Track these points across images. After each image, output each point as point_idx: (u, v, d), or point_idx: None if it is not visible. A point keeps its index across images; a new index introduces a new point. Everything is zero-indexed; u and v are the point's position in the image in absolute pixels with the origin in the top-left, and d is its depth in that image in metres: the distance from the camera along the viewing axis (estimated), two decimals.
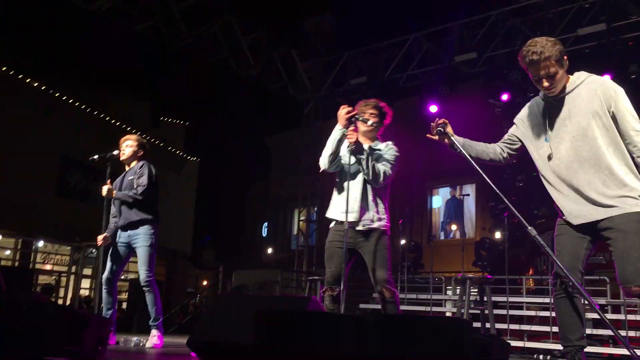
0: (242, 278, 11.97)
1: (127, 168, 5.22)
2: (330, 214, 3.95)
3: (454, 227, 15.74)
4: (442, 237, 16.52)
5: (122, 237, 5.02)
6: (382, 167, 3.84)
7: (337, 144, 3.86)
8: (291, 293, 11.06)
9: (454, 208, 16.10)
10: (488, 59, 10.83)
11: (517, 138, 3.22)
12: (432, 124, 3.26)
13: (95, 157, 5.16)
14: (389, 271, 3.77)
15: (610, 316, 7.16)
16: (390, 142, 4.02)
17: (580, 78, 2.98)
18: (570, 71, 3.05)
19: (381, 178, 3.81)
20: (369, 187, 3.88)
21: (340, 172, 3.97)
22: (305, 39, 13.45)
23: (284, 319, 2.29)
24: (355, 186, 3.86)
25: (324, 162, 3.91)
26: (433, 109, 12.33)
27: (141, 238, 4.93)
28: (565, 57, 2.94)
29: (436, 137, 3.27)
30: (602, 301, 7.38)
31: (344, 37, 13.65)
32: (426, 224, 16.47)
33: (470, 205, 15.74)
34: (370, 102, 3.99)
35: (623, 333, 6.22)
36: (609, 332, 6.80)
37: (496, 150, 3.35)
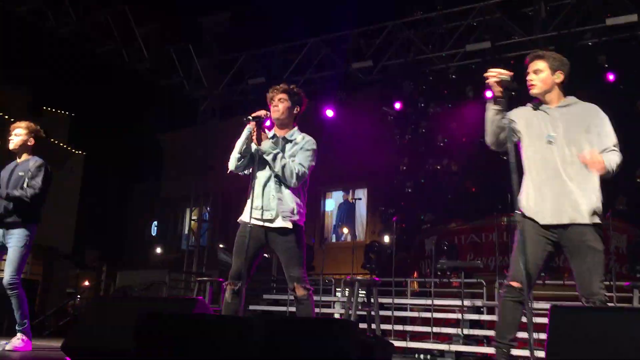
0: (127, 279, 11.48)
1: (17, 160, 4.83)
2: (243, 216, 3.81)
3: (345, 230, 16.07)
4: (334, 240, 16.81)
5: None
6: (297, 167, 3.67)
7: (242, 145, 3.74)
8: (179, 295, 10.75)
9: (346, 211, 16.45)
10: (383, 67, 11.16)
11: (518, 130, 3.35)
12: (499, 72, 3.19)
13: None
14: (303, 268, 3.68)
15: (486, 317, 7.59)
16: (307, 135, 3.85)
17: (574, 100, 3.30)
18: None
19: (294, 179, 3.66)
20: (283, 187, 3.74)
21: (251, 172, 3.85)
22: (202, 35, 13.15)
23: (166, 322, 2.20)
24: (264, 181, 3.75)
25: (231, 163, 3.80)
26: (329, 113, 12.52)
27: (15, 238, 4.57)
28: (561, 72, 3.26)
29: (496, 80, 3.18)
30: (479, 303, 7.80)
31: (242, 36, 13.52)
32: (319, 227, 16.69)
33: (361, 209, 16.15)
34: (280, 86, 3.83)
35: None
36: (483, 332, 7.23)
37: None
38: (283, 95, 3.79)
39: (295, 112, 3.84)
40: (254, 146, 3.73)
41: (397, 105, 12.48)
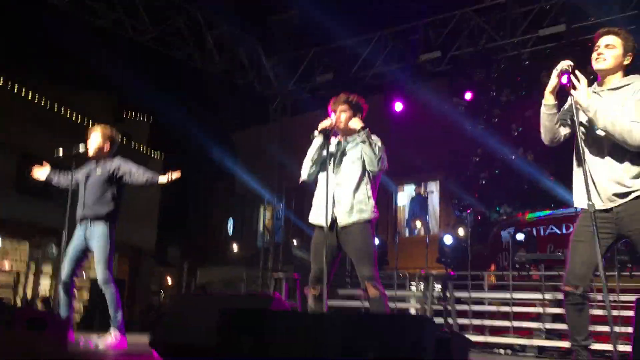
0: (206, 275, 11.88)
1: (94, 165, 5.06)
2: (311, 218, 3.94)
3: (418, 223, 15.90)
4: (407, 234, 16.68)
5: (77, 235, 4.91)
6: (379, 149, 3.83)
7: (314, 155, 3.86)
8: (256, 290, 11.02)
9: (419, 205, 16.26)
10: (452, 58, 10.96)
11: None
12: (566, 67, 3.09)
13: (60, 153, 4.99)
14: (374, 267, 3.71)
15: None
16: (376, 137, 3.95)
17: (633, 79, 3.12)
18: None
19: (382, 163, 3.82)
20: (349, 180, 3.83)
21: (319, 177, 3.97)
22: (271, 34, 13.38)
23: (247, 318, 2.29)
24: (331, 184, 3.83)
25: (303, 172, 3.94)
26: (398, 106, 12.45)
27: (98, 235, 4.83)
28: (631, 55, 3.13)
29: (558, 74, 3.11)
30: (561, 296, 7.53)
31: (310, 33, 13.62)
32: (392, 221, 16.60)
33: (434, 202, 15.93)
34: (340, 97, 3.94)
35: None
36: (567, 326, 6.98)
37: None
38: (344, 107, 3.90)
39: (358, 118, 3.93)
40: (324, 153, 3.83)
41: (468, 96, 12.22)
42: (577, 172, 3.19)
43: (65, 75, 15.52)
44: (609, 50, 3.12)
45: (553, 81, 3.11)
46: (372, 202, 3.83)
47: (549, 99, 3.15)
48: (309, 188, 4.09)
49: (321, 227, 3.78)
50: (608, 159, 3.03)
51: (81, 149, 4.97)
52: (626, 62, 3.15)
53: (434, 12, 11.12)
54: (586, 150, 3.07)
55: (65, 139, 5.92)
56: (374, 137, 3.89)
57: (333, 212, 3.76)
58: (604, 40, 3.15)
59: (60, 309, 4.74)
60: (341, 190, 3.79)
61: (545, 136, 3.24)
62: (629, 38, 3.16)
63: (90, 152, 5.03)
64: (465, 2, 10.92)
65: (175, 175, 4.93)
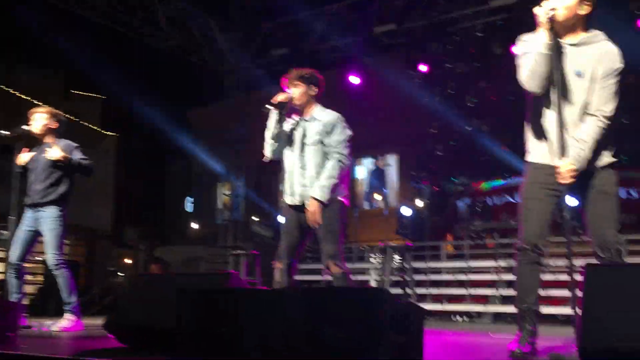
0: (165, 254, 11.73)
1: (41, 147, 4.88)
2: (283, 196, 3.92)
3: (377, 196, 16.03)
4: (367, 207, 16.81)
5: (27, 218, 4.77)
6: (337, 165, 3.75)
7: (273, 131, 3.80)
8: (217, 269, 10.96)
9: (377, 178, 16.38)
10: (407, 30, 10.96)
11: None
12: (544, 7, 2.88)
13: (6, 132, 4.79)
14: (337, 245, 3.68)
15: None
16: (330, 111, 3.86)
17: (594, 38, 2.96)
18: None
19: (342, 169, 3.80)
20: (308, 155, 3.79)
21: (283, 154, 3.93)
22: (224, 9, 13.09)
23: (201, 298, 2.25)
24: (295, 161, 3.80)
25: (266, 150, 3.89)
26: (355, 80, 12.41)
27: (48, 219, 4.69)
28: (588, 3, 2.90)
29: (542, 17, 2.88)
30: (515, 263, 7.72)
31: (263, 7, 13.38)
32: (351, 195, 16.70)
33: (392, 174, 16.07)
34: (292, 73, 3.88)
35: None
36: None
37: None
38: (296, 82, 3.82)
39: (312, 93, 3.85)
40: (284, 128, 3.79)
41: (424, 68, 12.26)
42: (540, 126, 3.04)
43: (9, 51, 14.89)
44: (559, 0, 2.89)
45: (544, 17, 2.86)
46: (339, 181, 3.82)
47: (545, 37, 2.87)
48: (270, 164, 4.06)
49: (291, 205, 3.80)
50: (576, 119, 2.94)
51: (25, 128, 4.80)
52: (581, 12, 2.92)
53: None
54: (557, 102, 2.90)
55: (11, 119, 5.69)
56: (329, 117, 3.84)
57: (301, 190, 3.74)
58: None
59: (10, 294, 4.61)
60: (306, 173, 3.77)
61: (537, 83, 2.92)
62: None
63: (36, 131, 4.85)
64: None
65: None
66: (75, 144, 4.89)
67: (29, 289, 8.62)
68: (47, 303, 7.53)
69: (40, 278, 8.80)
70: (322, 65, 12.18)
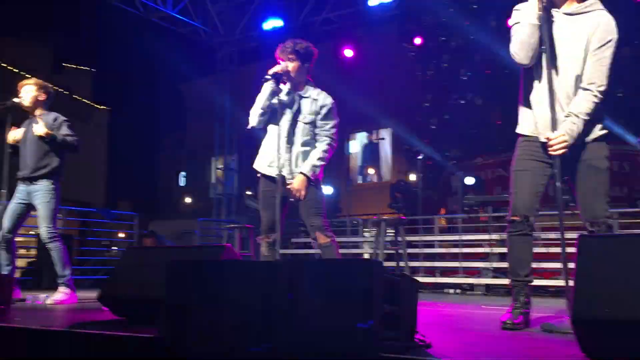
0: (159, 228, 11.74)
1: (32, 120, 4.81)
2: (257, 165, 3.88)
3: (371, 170, 16.07)
4: (360, 181, 16.85)
5: (20, 191, 4.74)
6: (325, 148, 3.78)
7: (265, 101, 3.76)
8: (210, 242, 10.98)
9: (371, 152, 16.40)
10: (402, 2, 10.84)
11: None
12: None
13: None
14: (323, 216, 3.75)
15: None
16: (321, 92, 3.84)
17: (589, 6, 2.89)
18: None
19: (330, 152, 3.81)
20: (297, 131, 3.78)
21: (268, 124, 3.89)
22: None
23: (194, 269, 2.25)
24: (282, 134, 3.77)
25: (252, 118, 3.83)
26: (349, 52, 12.32)
27: (41, 192, 4.67)
28: None
29: None
30: (496, 236, 7.75)
31: None
32: (344, 169, 16.71)
33: (386, 148, 16.08)
34: (287, 45, 3.80)
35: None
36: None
37: None
38: (291, 56, 3.76)
39: (306, 68, 3.82)
40: (275, 100, 3.75)
41: (418, 41, 12.18)
42: (530, 97, 3.00)
43: None
44: None
45: None
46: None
47: (535, 6, 2.85)
48: (262, 138, 4.02)
49: (268, 177, 3.77)
50: (570, 91, 2.90)
51: (16, 100, 4.73)
52: None
53: None
54: (549, 74, 2.85)
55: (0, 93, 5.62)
56: (322, 98, 3.81)
57: (280, 163, 3.72)
58: None
59: (2, 268, 4.60)
60: (291, 145, 3.76)
61: (525, 54, 2.89)
62: None
63: (26, 103, 4.79)
64: None
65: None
66: (64, 118, 4.83)
67: (23, 262, 8.62)
68: (41, 276, 7.53)
69: (33, 252, 8.79)
70: (316, 37, 12.07)
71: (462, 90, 11.75)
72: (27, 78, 4.98)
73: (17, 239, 4.99)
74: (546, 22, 2.87)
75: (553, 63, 2.89)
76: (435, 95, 12.27)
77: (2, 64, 14.33)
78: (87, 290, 5.79)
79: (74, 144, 4.77)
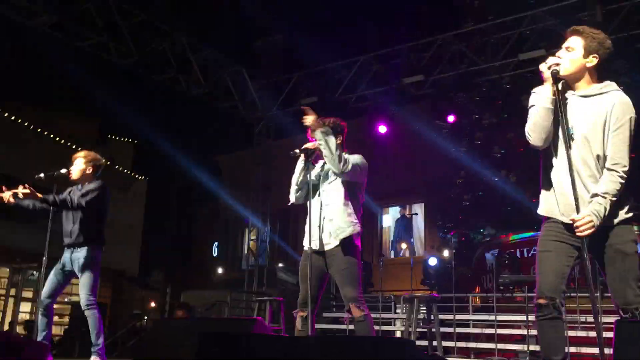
0: (190, 299, 11.74)
1: (75, 189, 5.00)
2: (304, 242, 3.95)
3: (403, 245, 15.92)
4: (392, 256, 16.67)
5: (64, 256, 4.87)
6: (346, 156, 3.80)
7: (298, 177, 3.90)
8: (240, 314, 10.92)
9: (404, 227, 16.30)
10: (435, 81, 11.10)
11: None
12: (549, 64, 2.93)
13: (42, 175, 4.89)
14: (358, 289, 3.72)
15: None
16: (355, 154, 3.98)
17: (606, 88, 2.94)
18: None
19: (345, 164, 3.72)
20: (330, 201, 3.84)
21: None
22: (255, 58, 13.47)
23: (227, 342, 2.27)
24: (315, 207, 3.87)
25: (291, 195, 4.00)
26: (382, 129, 12.54)
27: (83, 261, 4.78)
28: (596, 56, 2.90)
29: (546, 73, 2.92)
30: (533, 318, 7.53)
31: (294, 57, 13.75)
32: (376, 243, 16.61)
33: (419, 223, 15.98)
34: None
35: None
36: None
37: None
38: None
39: (338, 142, 3.89)
40: (309, 177, 3.86)
41: (451, 118, 12.37)
42: (550, 180, 3.03)
43: (47, 97, 15.46)
44: (567, 53, 2.95)
45: (548, 73, 2.92)
46: (353, 219, 3.83)
47: (549, 91, 2.91)
48: (295, 211, 4.13)
49: (309, 251, 3.83)
50: (594, 172, 2.90)
51: (62, 171, 4.93)
52: (589, 65, 2.93)
53: (415, 37, 11.29)
54: (568, 156, 2.86)
55: (48, 163, 5.88)
56: (355, 156, 3.91)
57: (320, 236, 3.79)
58: (567, 42, 2.98)
59: (38, 333, 4.67)
60: (325, 213, 3.84)
61: (538, 136, 2.95)
62: (595, 37, 2.93)
63: (73, 176, 4.99)
64: (446, 27, 11.11)
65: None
66: (96, 187, 4.92)
67: (55, 329, 8.71)
68: (74, 344, 7.58)
69: (67, 319, 8.88)
70: (350, 114, 12.38)
71: (496, 167, 11.77)
72: (80, 150, 5.19)
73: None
74: (562, 105, 2.91)
75: (571, 145, 2.90)
76: (469, 171, 12.31)
77: (50, 135, 15.01)
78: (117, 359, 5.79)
79: (71, 204, 4.73)
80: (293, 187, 3.97)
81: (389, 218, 17.10)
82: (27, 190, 4.63)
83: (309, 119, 3.70)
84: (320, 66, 12.32)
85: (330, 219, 3.81)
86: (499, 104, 11.96)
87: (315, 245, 3.81)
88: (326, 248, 3.79)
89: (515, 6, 10.24)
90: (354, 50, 12.06)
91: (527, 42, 10.02)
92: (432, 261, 10.46)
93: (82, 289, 4.74)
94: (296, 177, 3.93)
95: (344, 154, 3.81)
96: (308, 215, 3.93)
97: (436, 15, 13.66)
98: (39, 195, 4.66)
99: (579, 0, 9.51)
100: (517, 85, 10.96)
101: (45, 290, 4.78)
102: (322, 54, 12.25)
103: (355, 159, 3.89)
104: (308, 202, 3.92)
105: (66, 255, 4.87)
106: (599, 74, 2.97)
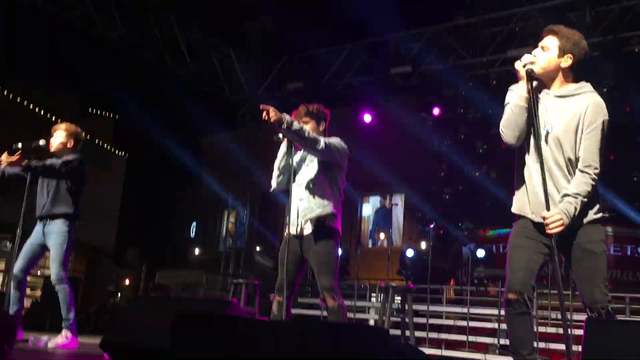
0: (165, 278, 11.70)
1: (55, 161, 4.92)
2: (286, 229, 3.94)
3: (382, 235, 16.00)
4: (370, 245, 16.76)
5: (37, 229, 4.79)
6: (324, 138, 3.76)
7: (281, 159, 3.88)
8: (215, 295, 10.90)
9: (383, 217, 16.38)
10: (422, 73, 11.10)
11: None
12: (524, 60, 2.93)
13: (19, 145, 4.78)
14: (333, 278, 3.71)
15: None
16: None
17: (580, 89, 2.95)
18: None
19: (317, 142, 3.64)
20: (307, 186, 3.82)
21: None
22: (243, 40, 13.33)
23: (201, 323, 2.26)
24: (297, 195, 3.85)
25: (272, 182, 3.96)
26: (367, 118, 12.54)
27: (55, 234, 4.71)
28: (571, 56, 2.90)
29: (521, 71, 2.93)
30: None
31: (282, 41, 13.63)
32: (355, 232, 16.67)
33: (398, 214, 16.06)
34: (300, 110, 3.95)
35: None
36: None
37: None
38: (306, 119, 3.90)
39: (321, 129, 3.94)
40: (291, 161, 3.83)
41: (436, 111, 12.40)
42: (523, 178, 3.05)
43: (27, 68, 15.17)
44: (543, 52, 2.95)
45: (523, 71, 2.93)
46: (325, 201, 3.80)
47: (523, 89, 2.92)
48: (275, 196, 4.10)
49: (288, 237, 3.82)
50: (564, 172, 2.93)
51: (41, 142, 4.84)
52: (564, 65, 2.92)
53: (405, 27, 11.26)
54: (539, 154, 2.89)
55: (28, 134, 5.76)
56: (332, 138, 3.90)
57: (299, 221, 3.77)
58: (543, 41, 2.97)
59: (10, 307, 4.60)
60: (298, 193, 3.82)
61: (512, 133, 2.96)
62: (570, 38, 2.92)
63: (53, 148, 4.90)
64: (437, 19, 11.10)
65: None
66: (72, 159, 4.86)
67: (27, 302, 8.61)
68: (44, 318, 7.50)
69: (38, 292, 8.78)
70: (336, 101, 12.34)
71: (478, 163, 11.84)
72: (60, 122, 5.08)
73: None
74: (535, 104, 2.92)
75: (544, 144, 2.93)
76: (451, 165, 12.38)
77: (29, 107, 14.74)
78: (90, 336, 5.75)
79: (40, 168, 4.67)
80: (275, 172, 3.94)
81: (369, 207, 17.16)
82: (16, 157, 4.55)
83: (271, 114, 3.56)
84: (308, 51, 12.24)
85: (300, 198, 3.80)
86: (484, 99, 12.01)
87: (294, 231, 3.79)
88: (305, 233, 3.78)
89: (507, 3, 10.26)
90: (342, 37, 12.02)
91: (516, 39, 10.06)
92: (410, 252, 10.52)
93: (53, 263, 4.67)
94: (278, 162, 3.91)
95: (321, 137, 3.79)
96: (289, 202, 3.90)
97: (427, 6, 13.65)
98: (24, 162, 4.58)
99: (570, 0, 9.57)
100: (504, 82, 11.00)
101: (17, 264, 4.70)
102: (311, 40, 12.17)
103: (332, 139, 3.87)
104: (289, 187, 3.90)
105: (39, 227, 4.79)
106: (576, 74, 2.98)
